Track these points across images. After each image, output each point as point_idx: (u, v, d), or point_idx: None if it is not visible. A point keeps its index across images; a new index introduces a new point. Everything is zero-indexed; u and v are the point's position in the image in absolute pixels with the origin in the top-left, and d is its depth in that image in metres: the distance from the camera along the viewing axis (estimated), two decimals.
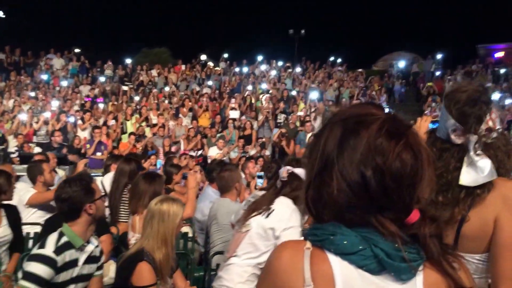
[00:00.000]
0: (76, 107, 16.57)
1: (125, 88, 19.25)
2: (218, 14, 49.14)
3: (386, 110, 1.11)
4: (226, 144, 12.85)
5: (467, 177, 1.89)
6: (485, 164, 1.88)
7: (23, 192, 5.43)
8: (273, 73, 21.41)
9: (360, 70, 22.59)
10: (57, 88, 18.95)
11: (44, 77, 19.86)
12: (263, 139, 13.91)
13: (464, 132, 1.95)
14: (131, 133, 13.56)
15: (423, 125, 2.63)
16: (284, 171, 3.14)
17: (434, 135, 2.10)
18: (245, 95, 18.08)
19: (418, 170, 1.04)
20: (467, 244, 1.88)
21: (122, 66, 22.47)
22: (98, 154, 12.38)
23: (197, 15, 51.73)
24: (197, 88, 19.68)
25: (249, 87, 19.31)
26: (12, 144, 13.23)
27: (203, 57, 22.51)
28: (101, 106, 16.71)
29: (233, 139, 14.02)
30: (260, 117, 15.17)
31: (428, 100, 17.65)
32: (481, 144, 1.93)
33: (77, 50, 23.04)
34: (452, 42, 29.92)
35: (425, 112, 16.09)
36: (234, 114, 15.66)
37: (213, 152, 12.74)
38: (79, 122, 14.74)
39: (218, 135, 13.87)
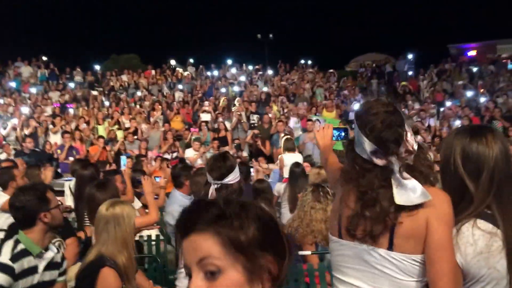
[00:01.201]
0: (46, 113, 16.67)
1: (95, 93, 19.48)
2: (185, 19, 49.55)
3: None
4: (201, 145, 13.18)
5: (401, 197, 1.92)
6: (414, 184, 1.93)
7: None
8: (243, 77, 21.91)
9: (331, 70, 23.17)
10: (27, 95, 19.09)
11: (13, 84, 19.99)
12: (239, 141, 14.29)
13: (384, 155, 1.97)
14: (99, 136, 13.68)
15: (326, 133, 2.75)
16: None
17: (352, 149, 2.10)
18: (218, 97, 18.49)
19: None
20: (402, 244, 1.93)
21: (92, 72, 22.70)
22: (71, 158, 12.55)
23: (165, 21, 51.99)
24: (169, 92, 20.04)
25: (223, 90, 19.74)
26: None
27: (172, 62, 22.90)
28: (71, 111, 16.91)
29: (207, 141, 14.34)
30: (234, 119, 15.58)
31: (405, 99, 18.16)
32: (404, 166, 1.97)
33: (45, 58, 23.13)
34: (422, 42, 30.88)
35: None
36: (206, 116, 16.02)
37: (190, 154, 13.02)
38: (50, 126, 14.92)
39: (193, 137, 14.20)
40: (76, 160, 8.45)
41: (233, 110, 16.50)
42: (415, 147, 2.00)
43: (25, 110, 16.43)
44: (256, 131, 14.11)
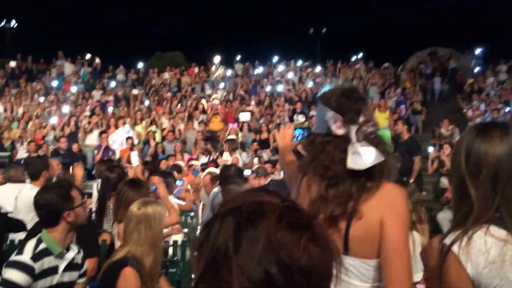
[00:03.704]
0: (86, 113, 17.37)
1: (136, 92, 20.02)
2: (231, 16, 49.94)
3: (282, 199, 1.09)
4: (236, 147, 13.18)
5: (354, 162, 2.00)
6: (369, 150, 2.01)
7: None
8: (291, 74, 21.88)
9: (386, 65, 22.57)
10: (68, 94, 19.87)
11: (55, 83, 20.87)
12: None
13: (344, 122, 2.08)
14: (128, 138, 13.96)
15: (287, 133, 2.82)
16: None
17: (311, 134, 2.22)
18: (263, 97, 18.66)
19: (329, 261, 1.03)
20: (357, 247, 1.98)
21: (134, 70, 23.36)
22: None
23: (211, 17, 52.64)
24: (210, 92, 20.32)
25: (267, 89, 19.85)
26: (22, 152, 13.94)
27: (217, 59, 23.21)
28: (110, 110, 17.42)
29: (248, 143, 14.38)
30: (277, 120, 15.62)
31: (471, 98, 17.54)
32: (362, 133, 2.06)
33: (88, 56, 23.91)
34: (491, 36, 29.71)
35: (464, 110, 16.12)
36: (246, 116, 16.10)
37: (227, 156, 12.96)
38: (87, 126, 15.52)
39: (228, 137, 14.15)
40: (102, 161, 8.65)
41: (275, 109, 16.53)
42: (372, 121, 2.10)
43: (66, 109, 17.12)
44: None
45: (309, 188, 2.14)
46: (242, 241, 0.99)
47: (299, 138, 2.99)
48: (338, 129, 2.07)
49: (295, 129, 2.88)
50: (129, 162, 10.48)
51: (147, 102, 18.94)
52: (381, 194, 2.01)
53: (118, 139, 14.24)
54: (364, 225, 1.96)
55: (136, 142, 14.45)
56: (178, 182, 7.23)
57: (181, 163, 11.13)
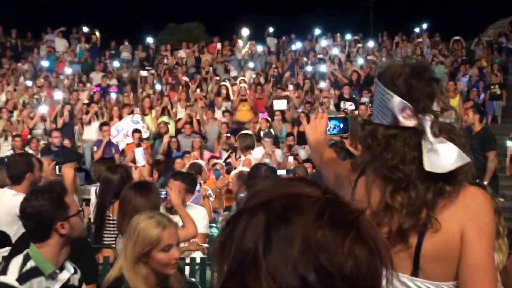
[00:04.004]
0: (84, 100, 17.16)
1: (144, 73, 19.90)
2: None
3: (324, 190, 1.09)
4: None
5: (431, 162, 1.94)
6: (450, 148, 1.96)
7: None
8: (336, 49, 21.70)
9: (457, 37, 22.18)
10: (61, 77, 19.94)
11: (45, 63, 20.91)
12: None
13: (415, 111, 2.01)
14: (135, 130, 13.74)
15: (319, 124, 2.75)
16: None
17: (370, 123, 2.15)
18: (302, 79, 18.47)
19: (378, 267, 1.03)
20: (431, 267, 1.96)
21: (143, 47, 23.34)
22: None
23: None
24: (235, 73, 20.19)
25: (308, 69, 19.65)
26: (5, 149, 13.77)
27: (245, 32, 22.97)
28: (113, 96, 17.28)
29: (282, 136, 14.18)
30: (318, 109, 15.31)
31: None
32: (439, 125, 2.01)
33: (86, 29, 23.99)
34: None
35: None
36: (281, 104, 15.74)
37: (258, 154, 12.64)
38: (84, 117, 15.43)
39: (263, 131, 13.91)
40: (101, 160, 8.57)
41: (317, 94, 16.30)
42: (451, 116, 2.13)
43: (59, 95, 17.05)
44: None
45: (368, 194, 2.09)
46: (274, 242, 1.00)
47: (335, 131, 2.88)
48: (407, 120, 2.01)
49: (329, 119, 2.81)
50: (133, 161, 10.35)
51: (158, 87, 18.79)
52: (462, 200, 1.98)
53: (123, 129, 14.17)
54: (441, 239, 1.93)
55: (144, 135, 14.30)
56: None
57: (202, 162, 10.94)
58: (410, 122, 2.01)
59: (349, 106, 15.72)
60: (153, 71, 20.64)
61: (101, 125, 14.15)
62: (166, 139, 14.16)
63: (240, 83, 17.89)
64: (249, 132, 11.63)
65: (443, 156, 1.93)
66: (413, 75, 2.03)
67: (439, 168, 1.92)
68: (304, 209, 1.01)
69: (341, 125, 2.85)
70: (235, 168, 10.20)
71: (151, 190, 4.57)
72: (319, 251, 0.97)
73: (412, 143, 2.00)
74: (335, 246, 0.98)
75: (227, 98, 17.04)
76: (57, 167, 7.60)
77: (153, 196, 4.51)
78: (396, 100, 2.00)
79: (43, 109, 15.76)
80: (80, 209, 3.55)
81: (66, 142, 13.72)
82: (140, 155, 8.54)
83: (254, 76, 19.22)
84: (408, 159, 1.99)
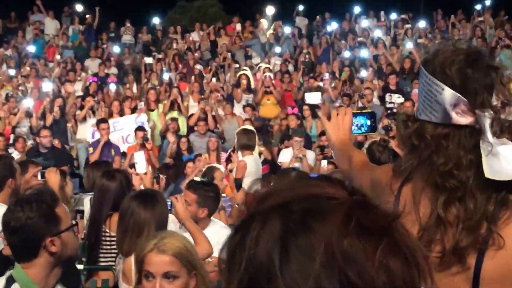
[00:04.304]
0: (78, 92, 17.40)
1: (150, 60, 20.00)
2: None
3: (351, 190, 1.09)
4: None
5: (493, 169, 1.91)
6: None
7: None
8: (380, 31, 21.72)
9: None
10: (51, 65, 20.09)
11: (31, 48, 21.04)
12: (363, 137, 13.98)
13: (471, 107, 1.97)
14: (138, 128, 13.59)
15: (343, 122, 2.75)
16: None
17: (416, 120, 2.14)
18: (339, 67, 18.56)
19: (415, 282, 1.02)
20: None
21: (148, 29, 23.47)
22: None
23: None
24: (259, 60, 20.25)
25: (346, 55, 19.70)
26: None
27: (270, 11, 23.03)
28: (113, 88, 17.23)
29: (314, 135, 14.19)
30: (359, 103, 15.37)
31: None
32: (500, 123, 1.96)
33: (80, 8, 24.12)
34: None
35: None
36: (314, 98, 15.70)
37: (285, 157, 12.58)
38: (78, 112, 15.56)
39: (292, 129, 13.83)
40: (95, 164, 8.64)
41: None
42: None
43: (48, 87, 17.09)
44: (387, 121, 13.65)
45: (416, 205, 2.07)
46: (292, 253, 0.99)
47: (362, 130, 2.89)
48: (461, 117, 1.99)
49: (354, 115, 2.82)
50: (133, 166, 10.32)
51: (166, 76, 18.82)
52: None
53: (125, 127, 14.34)
54: (505, 258, 1.91)
55: (149, 135, 14.26)
56: None
57: (220, 166, 10.97)
58: (466, 120, 1.98)
59: (397, 99, 15.48)
60: (160, 57, 20.71)
61: (98, 122, 14.00)
62: (172, 138, 14.04)
63: (264, 71, 17.76)
64: (251, 127, 11.21)
65: (506, 161, 1.89)
66: (468, 63, 2.00)
67: (501, 175, 1.89)
68: (328, 214, 1.01)
69: (369, 122, 2.85)
70: (230, 171, 10.21)
71: (158, 201, 4.52)
72: (345, 264, 0.96)
73: (468, 145, 1.98)
74: (364, 258, 0.97)
75: (248, 89, 17.01)
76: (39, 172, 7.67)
77: (159, 208, 4.47)
78: (448, 93, 1.98)
79: (28, 102, 15.76)
80: (74, 222, 3.48)
81: (57, 143, 13.73)
82: (141, 159, 8.42)
83: (280, 63, 19.27)
84: (464, 164, 1.96)
